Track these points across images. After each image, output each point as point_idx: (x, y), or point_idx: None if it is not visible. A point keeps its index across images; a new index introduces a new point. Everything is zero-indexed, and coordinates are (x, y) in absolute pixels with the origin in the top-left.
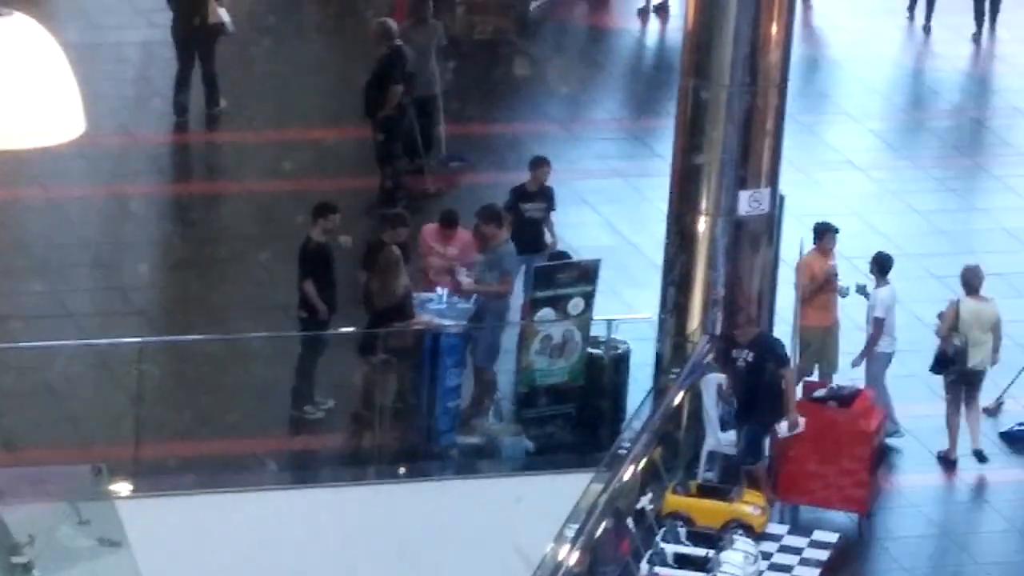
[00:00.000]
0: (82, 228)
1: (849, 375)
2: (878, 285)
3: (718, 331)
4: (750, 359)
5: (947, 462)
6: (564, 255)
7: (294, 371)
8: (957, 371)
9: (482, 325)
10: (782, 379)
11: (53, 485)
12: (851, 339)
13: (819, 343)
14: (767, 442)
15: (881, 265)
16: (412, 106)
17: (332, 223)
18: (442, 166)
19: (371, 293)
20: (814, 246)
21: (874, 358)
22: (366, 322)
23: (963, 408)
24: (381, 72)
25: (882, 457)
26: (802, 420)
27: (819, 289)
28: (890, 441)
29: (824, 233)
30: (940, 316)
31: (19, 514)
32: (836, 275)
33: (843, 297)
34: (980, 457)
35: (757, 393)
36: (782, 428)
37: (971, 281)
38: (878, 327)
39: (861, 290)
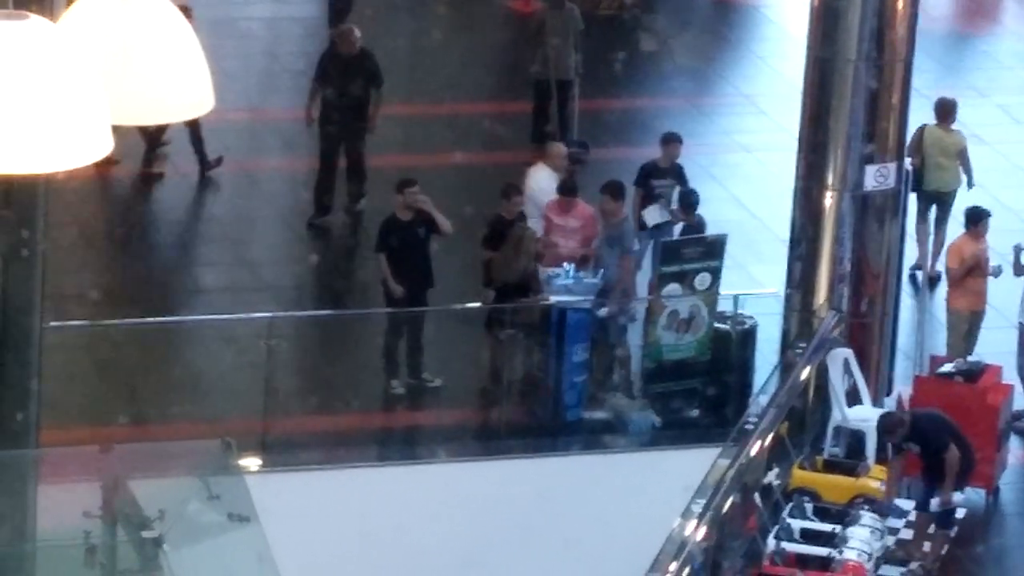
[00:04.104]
0: (210, 204)
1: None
2: None
3: (844, 307)
4: (916, 451)
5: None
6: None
7: (408, 344)
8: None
9: (609, 300)
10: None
11: (182, 460)
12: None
13: (967, 326)
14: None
15: None
16: (554, 88)
17: (412, 197)
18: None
19: (495, 269)
20: (965, 231)
21: None
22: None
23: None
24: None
25: (1008, 432)
26: (957, 499)
27: (968, 273)
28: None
29: (978, 218)
30: None
31: (149, 489)
32: (987, 259)
33: (995, 277)
34: (936, 279)
35: (941, 468)
36: (933, 503)
37: (942, 110)
38: None
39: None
